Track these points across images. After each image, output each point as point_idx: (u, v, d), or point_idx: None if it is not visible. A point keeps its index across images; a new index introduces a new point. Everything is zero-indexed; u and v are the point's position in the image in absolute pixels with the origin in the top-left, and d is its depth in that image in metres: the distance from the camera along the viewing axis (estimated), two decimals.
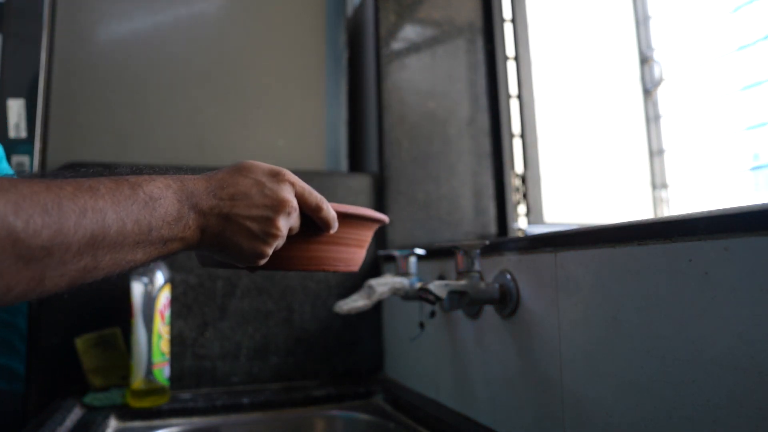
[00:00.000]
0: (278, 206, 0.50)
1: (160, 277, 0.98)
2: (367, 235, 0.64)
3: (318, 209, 0.54)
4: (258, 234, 0.49)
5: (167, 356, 0.96)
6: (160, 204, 0.43)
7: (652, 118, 1.49)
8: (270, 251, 0.51)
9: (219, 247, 0.49)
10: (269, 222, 0.49)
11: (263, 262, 0.51)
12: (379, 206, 1.24)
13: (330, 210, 0.55)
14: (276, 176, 0.51)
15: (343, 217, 0.58)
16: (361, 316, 1.17)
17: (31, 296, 0.36)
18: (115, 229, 0.39)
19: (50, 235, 0.35)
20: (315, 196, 0.54)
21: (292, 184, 0.52)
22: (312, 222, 0.55)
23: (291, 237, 0.54)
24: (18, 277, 0.34)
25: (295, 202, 0.52)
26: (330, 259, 0.60)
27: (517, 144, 1.32)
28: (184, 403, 0.96)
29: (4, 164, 0.79)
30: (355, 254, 0.63)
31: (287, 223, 0.51)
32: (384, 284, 0.81)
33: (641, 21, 1.52)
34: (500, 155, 1.31)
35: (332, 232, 0.57)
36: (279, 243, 0.51)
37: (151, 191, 0.43)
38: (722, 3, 1.29)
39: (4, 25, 1.10)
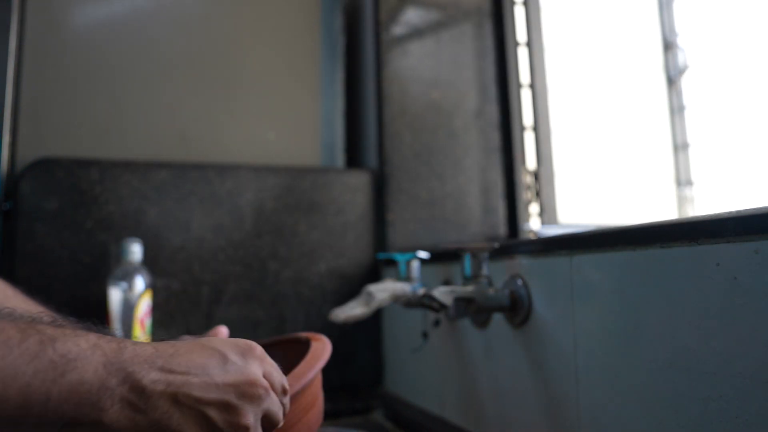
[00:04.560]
0: (244, 389, 0.42)
1: (140, 283, 0.98)
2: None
3: (284, 395, 0.47)
4: (218, 425, 0.40)
5: None
6: (75, 368, 0.35)
7: (676, 110, 1.49)
8: None
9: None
10: (233, 411, 0.41)
11: None
12: (379, 205, 1.24)
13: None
14: (244, 349, 0.44)
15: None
16: (359, 325, 1.17)
17: None
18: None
19: None
20: (282, 379, 0.47)
21: (261, 362, 0.45)
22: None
23: None
24: None
25: (266, 383, 0.44)
26: None
27: (528, 138, 1.32)
28: None
29: None
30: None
31: (258, 410, 0.43)
32: (384, 290, 0.81)
33: (664, 3, 1.53)
34: (510, 150, 1.31)
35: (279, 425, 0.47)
36: None
37: (67, 349, 0.35)
38: None
39: None
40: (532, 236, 1.27)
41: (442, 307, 0.70)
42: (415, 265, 0.87)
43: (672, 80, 1.50)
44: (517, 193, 1.29)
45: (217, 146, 1.26)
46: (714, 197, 1.40)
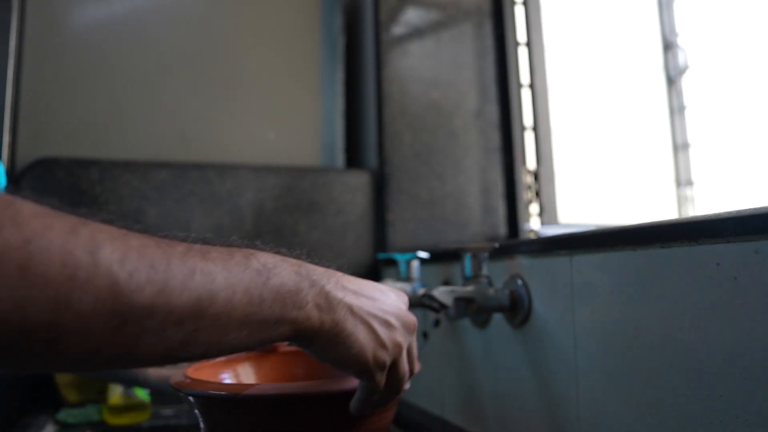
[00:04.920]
0: (402, 317, 0.49)
1: None
2: None
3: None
4: (381, 336, 0.47)
5: None
6: (275, 274, 0.42)
7: (676, 110, 1.49)
8: (388, 363, 0.48)
9: (334, 341, 0.45)
10: (393, 329, 0.48)
11: (379, 377, 0.48)
12: (379, 205, 1.24)
13: None
14: (396, 291, 0.52)
15: None
16: None
17: (119, 363, 0.35)
18: (223, 297, 0.38)
19: (153, 293, 0.34)
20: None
21: (407, 304, 0.52)
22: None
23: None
24: (112, 337, 0.33)
25: (415, 320, 0.51)
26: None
27: (529, 138, 1.32)
28: (166, 420, 0.96)
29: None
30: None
31: (408, 339, 0.50)
32: None
33: (664, 3, 1.53)
34: (511, 150, 1.31)
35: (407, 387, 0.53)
36: (399, 362, 0.49)
37: (265, 260, 0.42)
38: None
39: None
40: (532, 236, 1.27)
41: (442, 307, 0.70)
42: (415, 265, 0.87)
43: (672, 80, 1.50)
44: (517, 193, 1.29)
45: (217, 146, 1.26)
46: (714, 197, 1.40)
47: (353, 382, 0.51)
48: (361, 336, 0.46)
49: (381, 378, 0.48)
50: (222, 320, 0.38)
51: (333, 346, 0.45)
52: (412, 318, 0.51)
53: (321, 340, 0.45)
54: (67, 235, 0.31)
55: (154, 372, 0.71)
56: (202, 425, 0.56)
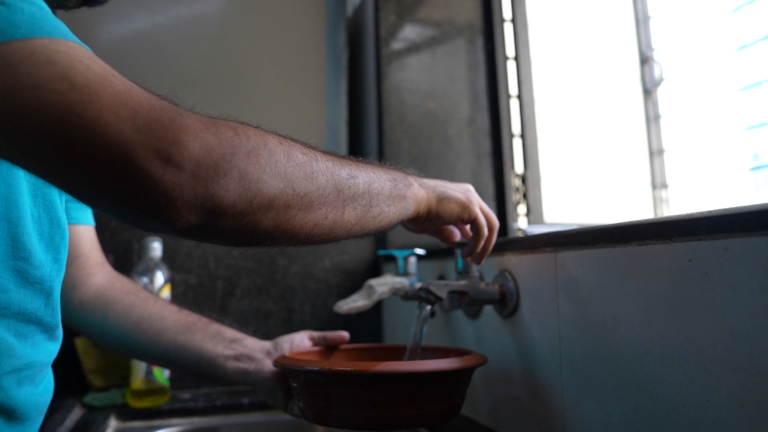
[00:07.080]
0: (467, 187, 0.65)
1: (160, 277, 0.98)
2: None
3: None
4: (464, 192, 0.63)
5: None
6: (386, 168, 0.56)
7: (652, 118, 1.49)
8: (477, 204, 0.64)
9: (439, 201, 0.61)
10: (466, 191, 0.64)
11: (478, 213, 0.64)
12: None
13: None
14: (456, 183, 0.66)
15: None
16: (361, 316, 1.17)
17: (328, 224, 0.47)
18: (377, 182, 0.53)
19: (365, 182, 0.50)
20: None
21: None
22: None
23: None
24: (331, 206, 0.46)
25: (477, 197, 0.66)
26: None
27: (517, 144, 1.32)
28: (184, 403, 0.96)
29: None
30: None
31: (477, 198, 0.65)
32: (384, 284, 0.81)
33: (641, 21, 1.52)
34: (500, 155, 1.31)
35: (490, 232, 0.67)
36: (483, 207, 0.65)
37: (370, 161, 0.55)
38: (722, 3, 1.29)
39: None
40: (520, 234, 1.27)
41: (438, 299, 0.70)
42: (412, 260, 0.87)
43: (648, 91, 1.50)
44: (506, 194, 1.29)
45: None
46: (687, 198, 1.40)
47: (449, 363, 0.58)
48: (453, 192, 0.62)
49: (480, 214, 0.64)
50: (381, 197, 0.52)
51: (441, 205, 0.61)
52: (469, 191, 0.65)
53: (432, 203, 0.60)
54: (302, 147, 0.46)
55: (232, 365, 0.72)
56: (303, 404, 0.59)
